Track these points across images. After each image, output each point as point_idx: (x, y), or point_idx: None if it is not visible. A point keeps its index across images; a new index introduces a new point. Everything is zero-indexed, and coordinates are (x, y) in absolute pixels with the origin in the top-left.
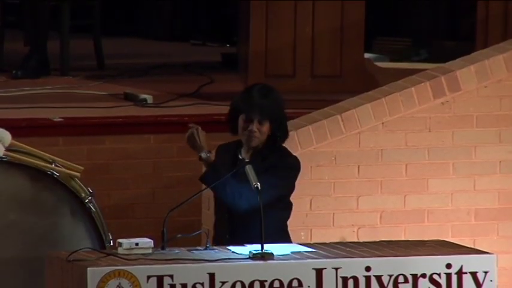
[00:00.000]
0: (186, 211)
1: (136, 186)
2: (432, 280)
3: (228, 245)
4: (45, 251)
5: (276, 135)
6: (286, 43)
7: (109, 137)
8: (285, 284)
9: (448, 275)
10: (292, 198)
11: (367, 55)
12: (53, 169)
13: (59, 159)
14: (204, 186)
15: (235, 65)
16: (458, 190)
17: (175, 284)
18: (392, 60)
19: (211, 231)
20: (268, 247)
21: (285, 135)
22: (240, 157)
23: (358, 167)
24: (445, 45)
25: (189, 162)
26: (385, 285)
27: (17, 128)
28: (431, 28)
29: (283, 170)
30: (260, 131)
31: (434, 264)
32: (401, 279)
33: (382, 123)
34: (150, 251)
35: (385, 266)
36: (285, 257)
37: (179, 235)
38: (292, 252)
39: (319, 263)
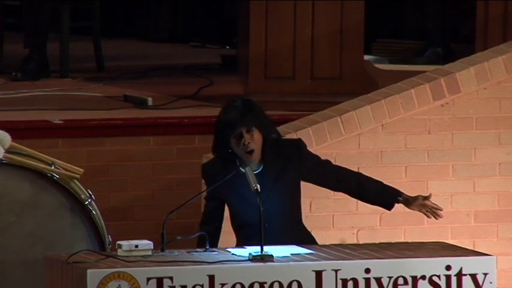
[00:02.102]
0: (185, 213)
1: (136, 188)
2: (432, 282)
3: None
4: (44, 253)
5: (270, 138)
6: (286, 45)
7: (109, 139)
8: (285, 286)
9: (448, 277)
10: None
11: (366, 57)
12: (53, 171)
13: (59, 161)
14: (203, 187)
15: (235, 67)
16: (458, 192)
17: (174, 286)
18: (394, 62)
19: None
20: (268, 249)
21: (278, 134)
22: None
23: (358, 169)
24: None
25: (189, 164)
26: (385, 287)
27: (16, 130)
28: (432, 29)
29: (307, 154)
30: (252, 140)
31: (434, 266)
32: (401, 281)
33: (382, 125)
34: (149, 253)
35: (385, 268)
36: (284, 259)
37: (179, 237)
38: (291, 254)
39: (319, 265)
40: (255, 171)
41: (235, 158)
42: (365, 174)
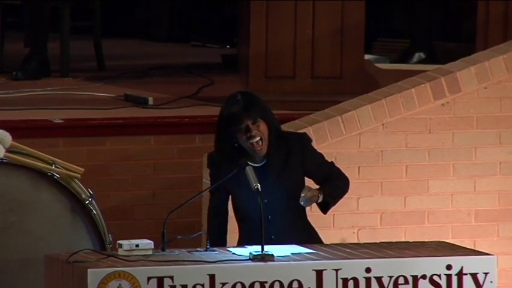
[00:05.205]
0: (186, 212)
1: (136, 187)
2: (432, 281)
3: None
4: (45, 252)
5: (274, 129)
6: (287, 44)
7: (109, 138)
8: (285, 285)
9: (449, 276)
10: None
11: (367, 56)
12: (53, 170)
13: (59, 161)
14: (204, 187)
15: (236, 66)
16: (459, 191)
17: (175, 285)
18: (392, 61)
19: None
20: (269, 248)
21: (278, 123)
22: (256, 165)
23: (359, 168)
24: (446, 46)
25: (189, 164)
26: (386, 286)
27: (17, 130)
28: (432, 29)
29: (310, 149)
30: (259, 131)
31: (434, 265)
32: (401, 280)
33: (383, 124)
34: (150, 252)
35: (386, 267)
36: (285, 258)
37: (179, 236)
38: (292, 254)
39: (320, 264)
40: (259, 163)
41: (239, 153)
42: (339, 182)
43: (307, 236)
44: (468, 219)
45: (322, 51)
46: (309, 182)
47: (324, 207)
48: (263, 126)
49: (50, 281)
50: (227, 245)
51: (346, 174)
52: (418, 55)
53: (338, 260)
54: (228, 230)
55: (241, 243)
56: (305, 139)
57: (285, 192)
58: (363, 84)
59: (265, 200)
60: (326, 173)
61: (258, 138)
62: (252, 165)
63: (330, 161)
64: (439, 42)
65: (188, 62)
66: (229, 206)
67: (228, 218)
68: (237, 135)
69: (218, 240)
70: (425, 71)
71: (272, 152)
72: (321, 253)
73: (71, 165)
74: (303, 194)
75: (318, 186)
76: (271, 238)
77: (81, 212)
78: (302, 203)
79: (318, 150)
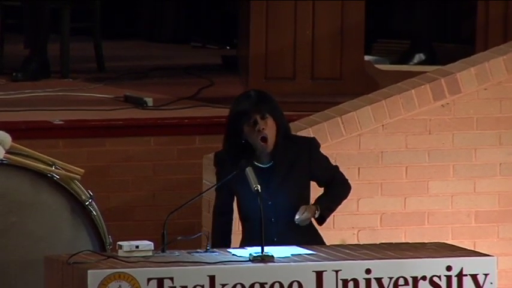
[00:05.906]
0: (186, 213)
1: (136, 188)
2: (432, 282)
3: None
4: (45, 253)
5: (283, 128)
6: (287, 45)
7: (109, 139)
8: (285, 287)
9: (449, 278)
10: None
11: (367, 57)
12: (53, 172)
13: (59, 162)
14: (204, 188)
15: (236, 67)
16: (459, 192)
17: (175, 287)
18: (392, 62)
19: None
20: (269, 249)
21: (288, 125)
22: (263, 166)
23: (359, 169)
24: (445, 47)
25: (189, 165)
26: (386, 287)
27: (17, 131)
28: (432, 30)
29: (318, 154)
30: (266, 126)
31: (434, 266)
32: (401, 281)
33: (383, 125)
34: (150, 253)
35: (386, 268)
36: (285, 260)
37: (179, 237)
38: (292, 255)
39: (320, 265)
40: (265, 165)
41: (246, 150)
42: (340, 188)
43: (310, 238)
44: (468, 220)
45: (322, 52)
46: (312, 185)
47: (321, 221)
48: (271, 123)
49: (50, 282)
50: (232, 244)
51: (349, 180)
52: (418, 56)
53: (338, 261)
54: (233, 230)
55: (244, 244)
56: (313, 144)
57: (290, 195)
58: (363, 85)
59: (269, 202)
60: (330, 178)
61: (264, 133)
62: (259, 166)
63: (334, 164)
64: (438, 43)
65: (188, 63)
66: (234, 206)
67: (233, 218)
68: (245, 129)
69: (222, 238)
70: (425, 72)
71: (279, 154)
72: (321, 254)
73: (71, 166)
74: (297, 217)
75: (318, 190)
76: (273, 240)
77: (81, 213)
78: (297, 223)
79: (324, 154)
